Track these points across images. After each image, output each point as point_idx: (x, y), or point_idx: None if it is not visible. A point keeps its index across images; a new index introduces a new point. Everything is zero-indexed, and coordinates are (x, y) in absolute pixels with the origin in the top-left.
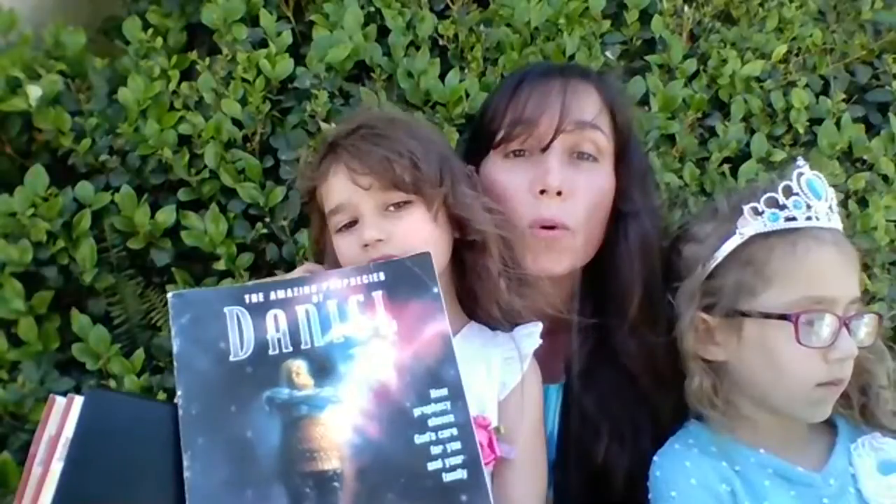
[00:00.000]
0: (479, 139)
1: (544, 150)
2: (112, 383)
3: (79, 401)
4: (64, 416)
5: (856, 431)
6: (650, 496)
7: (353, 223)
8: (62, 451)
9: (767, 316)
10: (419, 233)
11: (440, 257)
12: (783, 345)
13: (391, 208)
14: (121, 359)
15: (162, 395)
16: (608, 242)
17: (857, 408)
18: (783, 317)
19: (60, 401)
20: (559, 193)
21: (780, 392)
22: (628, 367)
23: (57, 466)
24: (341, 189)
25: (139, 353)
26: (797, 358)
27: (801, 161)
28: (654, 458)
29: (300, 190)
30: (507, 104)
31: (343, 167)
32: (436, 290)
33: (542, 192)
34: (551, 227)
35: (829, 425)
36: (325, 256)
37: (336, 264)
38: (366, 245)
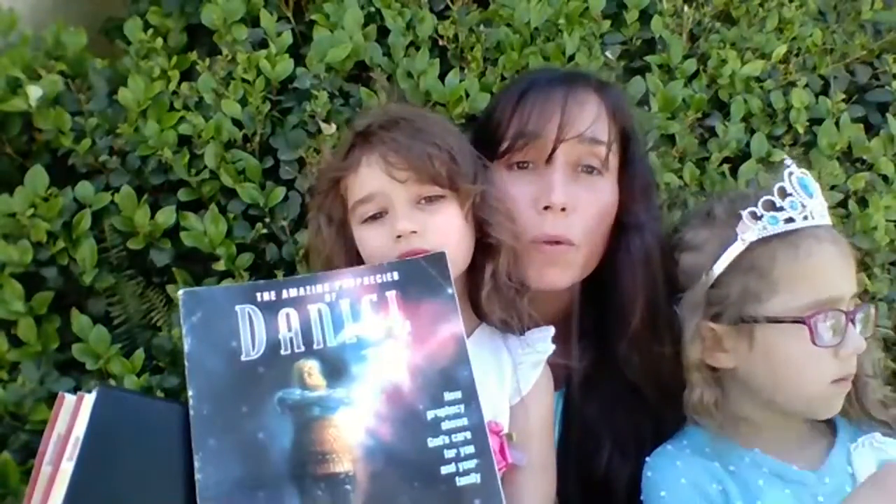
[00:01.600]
0: (483, 147)
1: (547, 161)
2: (112, 383)
3: (88, 399)
4: (74, 415)
5: (856, 432)
6: (642, 497)
7: (380, 215)
8: (72, 450)
9: (779, 321)
10: (453, 228)
11: (466, 255)
12: (797, 348)
13: (422, 202)
14: (121, 359)
15: (161, 395)
16: (610, 254)
17: (854, 399)
18: (797, 321)
19: (70, 399)
20: (563, 209)
21: (795, 393)
22: (631, 378)
23: (67, 466)
24: (374, 179)
25: (139, 353)
26: (812, 359)
27: (788, 160)
28: (647, 459)
29: (322, 180)
30: (511, 115)
31: (378, 158)
32: (450, 290)
33: (546, 207)
34: (555, 243)
35: (829, 425)
36: (330, 253)
37: (347, 259)
38: (398, 236)
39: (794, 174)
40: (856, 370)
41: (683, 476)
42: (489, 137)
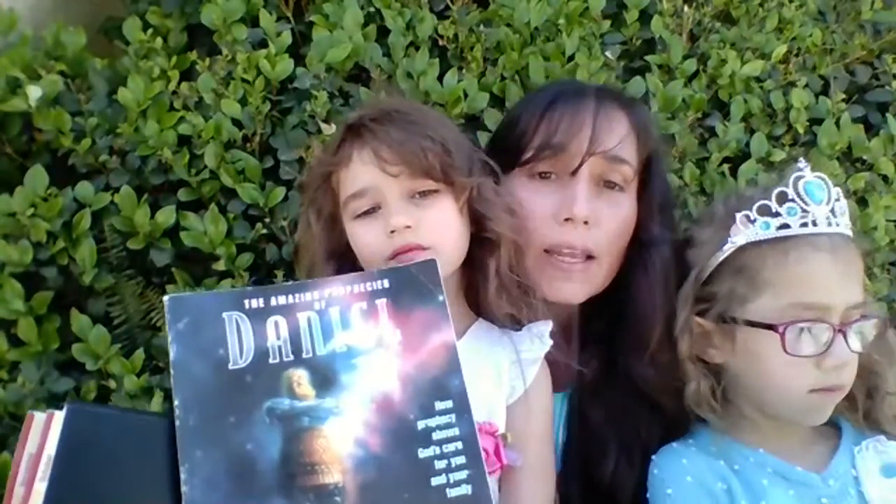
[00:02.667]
0: (504, 152)
1: (572, 173)
2: (112, 384)
3: (59, 417)
4: (44, 434)
5: (860, 434)
6: (648, 494)
7: (372, 210)
8: (44, 470)
9: (755, 325)
10: (448, 223)
11: (461, 251)
12: (772, 353)
13: (416, 196)
14: (120, 359)
15: (158, 395)
16: (627, 270)
17: (861, 411)
18: (770, 327)
19: (39, 417)
20: (585, 222)
21: (773, 398)
22: (648, 392)
23: (40, 486)
24: (366, 173)
25: (139, 354)
26: (787, 366)
27: (802, 163)
28: (653, 457)
29: (313, 175)
30: (538, 124)
31: (369, 152)
32: (441, 298)
33: (567, 220)
34: (575, 256)
35: (834, 427)
36: (319, 249)
37: (337, 256)
38: (392, 231)
39: (804, 178)
40: (848, 382)
41: (689, 474)
42: (511, 145)
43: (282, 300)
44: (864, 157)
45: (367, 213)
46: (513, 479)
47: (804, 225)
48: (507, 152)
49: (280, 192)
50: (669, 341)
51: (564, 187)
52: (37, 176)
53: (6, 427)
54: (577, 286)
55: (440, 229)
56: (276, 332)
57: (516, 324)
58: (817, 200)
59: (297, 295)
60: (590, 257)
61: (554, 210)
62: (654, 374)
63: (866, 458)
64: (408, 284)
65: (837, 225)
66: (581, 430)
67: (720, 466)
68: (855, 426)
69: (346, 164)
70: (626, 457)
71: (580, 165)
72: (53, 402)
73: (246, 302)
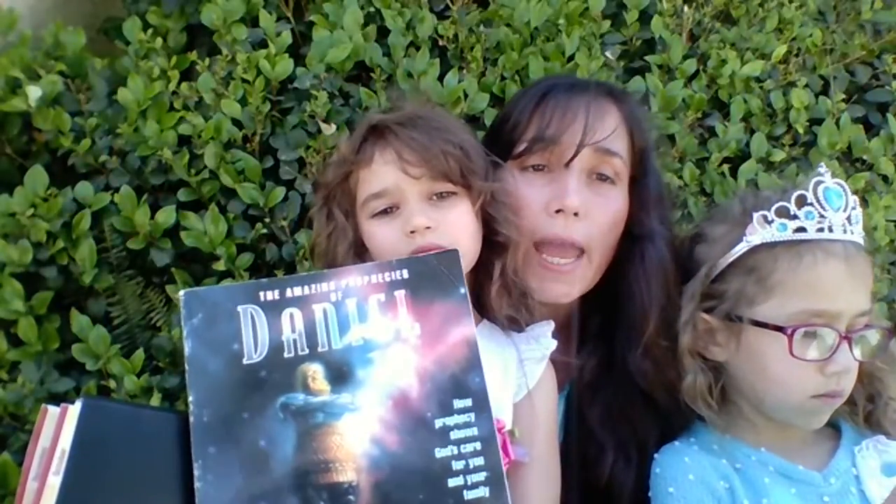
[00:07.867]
0: (497, 146)
1: (564, 166)
2: (112, 384)
3: (73, 410)
4: (58, 427)
5: (860, 435)
6: (650, 493)
7: (390, 209)
8: (58, 464)
9: (763, 325)
10: (466, 225)
11: (475, 253)
12: (777, 355)
13: (434, 198)
14: (120, 359)
15: (156, 396)
16: (621, 264)
17: (862, 414)
18: (778, 328)
19: (53, 410)
20: (576, 214)
21: (774, 400)
22: (644, 387)
23: (54, 481)
24: (388, 175)
25: (139, 354)
26: (791, 369)
27: (822, 168)
28: (655, 455)
29: (332, 174)
30: (531, 117)
31: (392, 153)
32: (462, 290)
33: (559, 211)
34: (564, 249)
35: (833, 428)
36: (335, 245)
37: (351, 254)
38: (412, 231)
39: (824, 184)
40: (848, 389)
41: (691, 472)
42: (505, 138)
43: (297, 292)
44: (864, 157)
45: (384, 212)
46: (520, 476)
47: (820, 230)
48: (500, 145)
49: (280, 192)
50: (666, 334)
51: (556, 179)
52: (37, 176)
53: (6, 427)
54: (566, 287)
55: (458, 231)
56: (292, 324)
57: (517, 325)
58: (835, 207)
59: (312, 286)
60: (580, 253)
61: (545, 202)
62: (650, 368)
63: (867, 456)
64: (428, 275)
65: (852, 233)
66: (578, 430)
67: (722, 465)
68: (855, 428)
69: (368, 163)
70: (624, 456)
71: (573, 157)
72: (53, 402)
73: (261, 294)
